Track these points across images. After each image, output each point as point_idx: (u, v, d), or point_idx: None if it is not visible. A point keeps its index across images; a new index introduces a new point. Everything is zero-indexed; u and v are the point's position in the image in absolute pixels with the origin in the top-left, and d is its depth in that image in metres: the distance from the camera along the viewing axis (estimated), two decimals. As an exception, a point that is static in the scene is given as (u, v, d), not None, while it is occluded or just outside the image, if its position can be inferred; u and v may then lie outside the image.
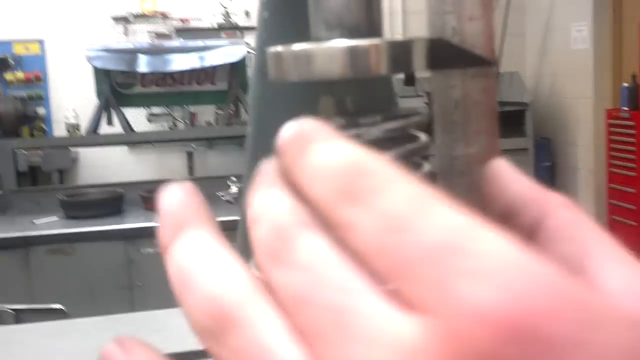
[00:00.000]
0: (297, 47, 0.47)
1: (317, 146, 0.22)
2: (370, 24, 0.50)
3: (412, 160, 0.54)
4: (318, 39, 0.50)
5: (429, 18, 0.53)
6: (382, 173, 0.20)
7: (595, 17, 6.42)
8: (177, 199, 0.24)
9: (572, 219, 0.24)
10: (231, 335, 0.20)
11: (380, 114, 0.53)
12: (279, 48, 0.48)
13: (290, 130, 0.23)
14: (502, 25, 7.10)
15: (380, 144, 0.52)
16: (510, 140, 6.62)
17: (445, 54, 0.50)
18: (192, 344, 0.84)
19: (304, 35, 0.54)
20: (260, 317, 0.20)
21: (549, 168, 7.03)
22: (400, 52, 0.46)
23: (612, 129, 5.29)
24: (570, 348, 0.16)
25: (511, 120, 6.74)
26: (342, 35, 0.49)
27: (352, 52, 0.45)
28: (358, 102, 0.64)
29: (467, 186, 0.55)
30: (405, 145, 0.53)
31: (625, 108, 5.10)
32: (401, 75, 6.77)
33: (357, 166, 0.21)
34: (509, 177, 0.29)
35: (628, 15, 6.20)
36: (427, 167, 0.55)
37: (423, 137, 0.56)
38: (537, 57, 7.53)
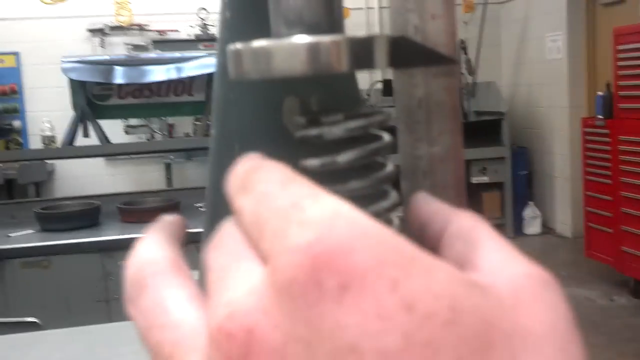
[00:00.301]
0: (257, 43, 0.46)
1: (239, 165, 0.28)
2: (331, 21, 0.50)
3: (375, 159, 0.54)
4: (278, 36, 0.49)
5: (391, 16, 0.53)
6: (264, 171, 0.26)
7: (569, 28, 6.50)
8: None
9: (469, 224, 0.28)
10: (141, 297, 0.27)
11: (343, 113, 0.53)
12: (239, 45, 0.47)
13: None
14: (478, 36, 7.17)
15: (342, 143, 0.52)
16: (488, 149, 6.67)
17: (407, 52, 0.50)
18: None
19: (266, 33, 0.53)
20: (165, 286, 0.26)
21: (525, 176, 7.09)
22: (361, 49, 0.46)
23: (588, 137, 5.35)
24: (371, 278, 0.20)
25: (488, 130, 6.80)
26: (303, 32, 0.49)
27: (313, 48, 0.44)
28: (323, 102, 0.64)
29: (430, 186, 0.55)
30: (368, 144, 0.53)
31: (600, 116, 5.16)
32: (379, 86, 6.81)
33: (249, 169, 0.26)
34: (423, 201, 0.35)
35: (602, 25, 6.29)
36: (390, 167, 0.55)
37: (386, 136, 0.56)
38: (512, 67, 7.60)
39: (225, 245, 0.26)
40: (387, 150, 0.54)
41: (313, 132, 0.52)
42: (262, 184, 0.25)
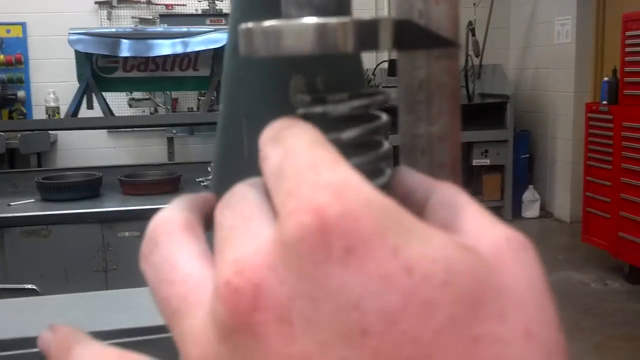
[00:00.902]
0: (267, 23, 0.48)
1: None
2: (338, 3, 0.51)
3: (375, 137, 0.55)
4: (288, 17, 0.51)
5: (396, 0, 0.54)
6: (298, 129, 0.28)
7: (578, 12, 6.45)
8: None
9: (451, 193, 0.30)
10: (153, 253, 0.28)
11: (347, 92, 0.54)
12: (250, 24, 0.49)
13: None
14: (487, 18, 7.13)
15: (346, 120, 0.53)
16: (491, 131, 6.66)
17: (411, 35, 0.51)
18: (160, 319, 0.85)
19: (277, 14, 0.55)
20: (176, 243, 0.28)
21: (527, 160, 7.09)
22: (367, 31, 0.47)
23: (591, 123, 5.34)
24: (374, 243, 0.22)
25: (492, 113, 6.78)
26: (312, 14, 0.50)
27: (320, 29, 0.46)
28: (328, 81, 0.65)
29: (427, 164, 0.57)
30: (368, 122, 0.54)
31: (605, 102, 5.15)
32: (384, 66, 6.79)
33: (286, 124, 0.29)
34: (407, 172, 0.38)
35: (611, 9, 6.25)
36: (387, 144, 0.56)
37: (385, 116, 0.57)
38: (520, 51, 7.56)
39: (237, 205, 0.27)
40: (387, 128, 0.55)
41: (318, 109, 0.54)
42: (292, 139, 0.27)
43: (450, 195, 0.30)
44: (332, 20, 0.46)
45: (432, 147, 0.55)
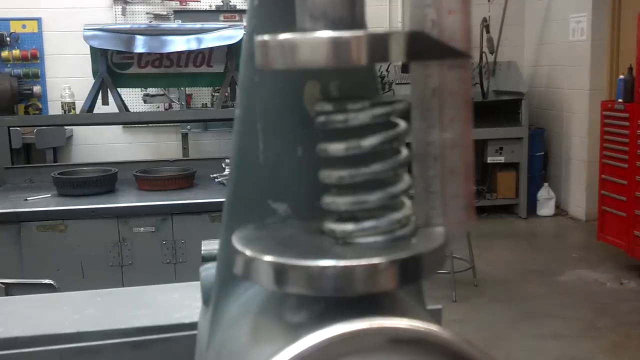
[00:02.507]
0: (283, 36, 0.49)
1: None
2: (352, 17, 0.52)
3: (393, 145, 0.56)
4: (303, 30, 0.52)
5: (410, 10, 0.55)
6: None
7: (594, 9, 6.40)
8: None
9: None
10: None
11: (368, 100, 0.56)
12: (266, 37, 0.50)
13: None
14: (501, 15, 7.09)
15: (366, 127, 0.55)
16: (505, 129, 6.63)
17: (423, 46, 0.52)
18: (178, 317, 0.87)
19: (292, 22, 0.56)
20: None
21: (542, 158, 7.05)
22: (380, 44, 0.48)
23: (607, 121, 5.30)
24: None
25: (507, 110, 6.75)
26: (326, 27, 0.52)
27: (335, 43, 0.47)
28: (342, 88, 0.67)
29: (440, 170, 0.58)
30: (389, 130, 0.55)
31: (620, 100, 5.11)
32: (399, 63, 6.78)
33: None
34: None
35: (627, 7, 6.20)
36: (405, 151, 0.57)
37: (403, 123, 0.58)
38: (535, 48, 7.52)
39: None
40: (405, 135, 0.56)
41: (339, 117, 0.55)
42: None
43: None
44: (346, 34, 0.48)
45: (445, 154, 0.56)
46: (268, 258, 0.52)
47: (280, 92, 0.66)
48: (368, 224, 0.54)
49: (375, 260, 0.50)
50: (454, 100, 0.56)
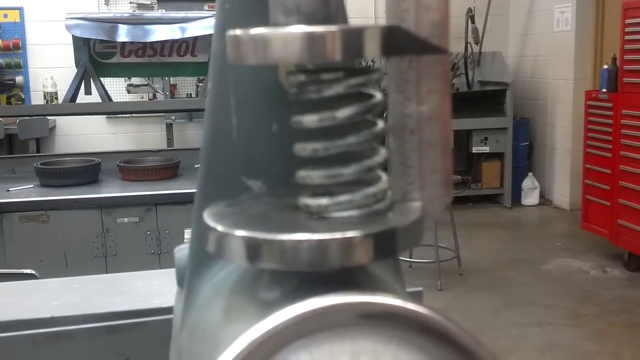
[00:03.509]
0: (255, 31, 0.47)
1: None
2: (327, 11, 0.51)
3: (368, 117, 0.55)
4: (276, 24, 0.50)
5: (387, 6, 0.54)
6: None
7: (578, 0, 6.42)
8: None
9: None
10: None
11: (342, 70, 0.54)
12: (238, 31, 0.49)
13: None
14: (487, 5, 7.09)
15: (340, 98, 0.53)
16: (490, 119, 6.64)
17: (399, 41, 0.51)
18: (156, 302, 0.85)
19: (264, 20, 0.54)
20: None
21: (526, 147, 7.08)
22: (354, 40, 0.47)
23: (591, 111, 5.33)
24: None
25: (491, 100, 6.77)
26: (300, 22, 0.50)
27: (308, 38, 0.46)
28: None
29: (417, 144, 0.56)
30: (364, 101, 0.54)
31: (604, 90, 5.13)
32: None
33: None
34: None
35: (611, -3, 6.22)
36: (380, 123, 0.56)
37: (379, 95, 0.56)
38: (519, 38, 7.53)
39: None
40: (381, 107, 0.55)
41: (312, 88, 0.53)
42: None
43: None
44: (319, 29, 0.46)
45: (422, 127, 0.55)
46: (240, 233, 0.50)
47: (254, 66, 0.64)
48: (343, 197, 0.53)
49: (350, 234, 0.48)
50: (431, 71, 0.54)
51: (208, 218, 0.54)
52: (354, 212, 0.53)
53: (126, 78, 6.36)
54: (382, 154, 0.56)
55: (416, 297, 0.98)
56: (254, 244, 0.49)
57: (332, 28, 0.46)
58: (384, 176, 0.57)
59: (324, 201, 0.53)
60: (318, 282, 0.52)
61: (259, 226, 0.51)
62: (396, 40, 0.50)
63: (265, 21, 0.57)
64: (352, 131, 0.54)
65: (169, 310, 0.91)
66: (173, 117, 6.70)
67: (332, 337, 0.47)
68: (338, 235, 0.48)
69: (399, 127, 0.56)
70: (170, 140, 6.71)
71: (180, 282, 0.69)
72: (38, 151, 6.22)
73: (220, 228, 0.51)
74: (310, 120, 0.53)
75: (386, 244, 0.50)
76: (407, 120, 0.55)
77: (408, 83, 0.55)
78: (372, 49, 0.48)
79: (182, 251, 0.70)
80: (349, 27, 0.46)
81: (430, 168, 0.56)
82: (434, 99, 0.55)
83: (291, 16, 0.51)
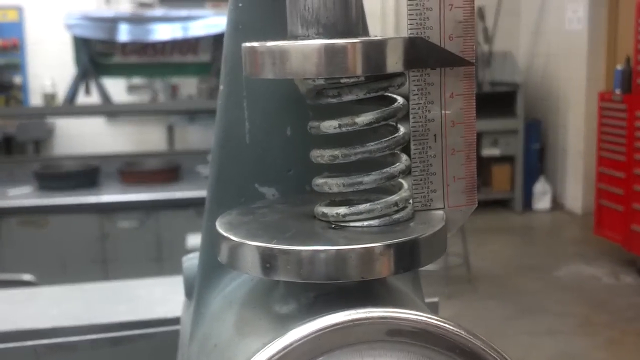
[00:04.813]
0: (273, 44, 0.45)
1: None
2: (347, 23, 0.48)
3: (389, 122, 0.52)
4: (294, 36, 0.48)
5: (408, 5, 0.51)
6: None
7: (591, -2, 6.33)
8: None
9: None
10: None
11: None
12: (255, 44, 0.46)
13: None
14: (497, 4, 7.02)
15: (361, 103, 0.51)
16: (500, 121, 6.54)
17: (422, 53, 0.48)
18: (160, 312, 0.82)
19: (280, 25, 0.51)
20: None
21: (538, 150, 6.96)
22: (376, 53, 0.44)
23: (604, 112, 5.23)
24: None
25: (502, 101, 6.63)
26: (319, 33, 0.47)
27: (328, 52, 0.43)
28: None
29: (441, 150, 0.53)
30: (385, 106, 0.51)
31: (618, 91, 5.04)
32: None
33: None
34: None
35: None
36: (402, 129, 0.53)
37: (400, 99, 0.54)
38: (531, 37, 7.43)
39: None
40: (403, 112, 0.52)
41: (332, 92, 0.51)
42: None
43: None
44: (339, 41, 0.43)
45: (446, 132, 0.52)
46: (255, 243, 0.48)
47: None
48: (362, 206, 0.51)
49: (370, 245, 0.46)
50: (455, 73, 0.52)
51: (220, 227, 0.52)
52: (374, 222, 0.51)
53: (127, 78, 6.34)
54: (403, 161, 0.53)
55: (432, 308, 0.95)
56: (269, 255, 0.47)
57: (353, 40, 0.43)
58: (405, 184, 0.54)
59: (342, 210, 0.51)
60: (336, 296, 0.49)
61: (274, 236, 0.49)
62: (419, 52, 0.48)
63: (278, 19, 0.54)
64: (372, 137, 0.51)
65: (174, 321, 0.88)
66: (174, 119, 6.68)
67: (354, 354, 0.44)
68: (357, 246, 0.46)
69: (422, 132, 0.53)
70: (171, 142, 6.69)
71: (188, 292, 0.66)
72: (37, 153, 6.19)
73: (234, 238, 0.49)
74: (329, 125, 0.51)
75: (408, 256, 0.48)
76: (430, 124, 0.53)
77: (431, 86, 0.52)
78: (394, 62, 0.46)
79: (190, 261, 0.67)
80: (370, 39, 0.44)
81: (454, 175, 0.54)
82: (458, 102, 0.52)
83: (310, 28, 0.48)
